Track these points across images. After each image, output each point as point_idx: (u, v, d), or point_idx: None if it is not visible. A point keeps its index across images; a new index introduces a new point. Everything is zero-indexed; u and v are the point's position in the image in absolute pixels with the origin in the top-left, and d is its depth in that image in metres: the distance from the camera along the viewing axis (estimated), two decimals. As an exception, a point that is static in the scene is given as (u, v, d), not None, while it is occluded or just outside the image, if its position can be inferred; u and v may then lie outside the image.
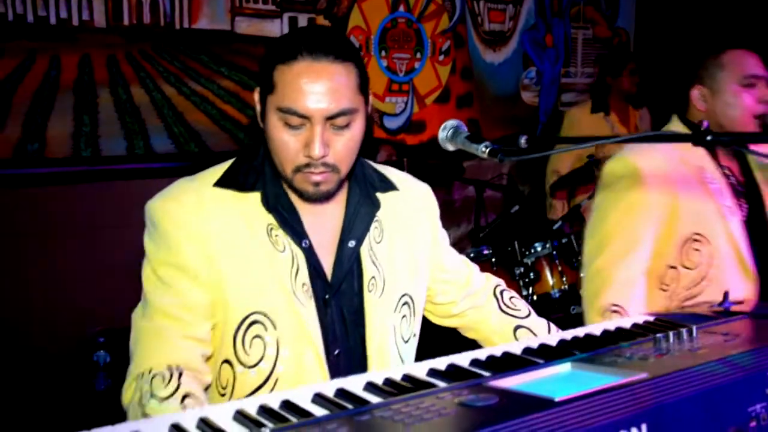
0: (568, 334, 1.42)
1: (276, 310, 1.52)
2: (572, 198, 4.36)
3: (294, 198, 1.57)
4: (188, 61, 4.08)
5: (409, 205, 1.73)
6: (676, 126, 2.29)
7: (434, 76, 5.01)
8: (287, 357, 1.54)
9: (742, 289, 2.19)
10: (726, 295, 1.59)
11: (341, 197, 1.63)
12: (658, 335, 1.30)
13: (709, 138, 1.19)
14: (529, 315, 1.89)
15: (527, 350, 1.31)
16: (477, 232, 4.19)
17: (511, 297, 1.92)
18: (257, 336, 1.53)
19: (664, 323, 1.47)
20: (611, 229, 2.15)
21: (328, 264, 1.59)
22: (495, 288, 1.92)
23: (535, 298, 3.69)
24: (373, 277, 1.61)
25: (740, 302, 1.65)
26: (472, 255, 3.70)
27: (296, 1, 4.45)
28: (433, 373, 1.18)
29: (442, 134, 1.46)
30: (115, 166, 3.86)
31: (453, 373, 1.17)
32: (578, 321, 3.69)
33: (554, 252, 3.74)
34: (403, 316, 1.67)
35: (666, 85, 2.66)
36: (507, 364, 1.20)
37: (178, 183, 1.58)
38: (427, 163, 4.22)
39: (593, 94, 4.52)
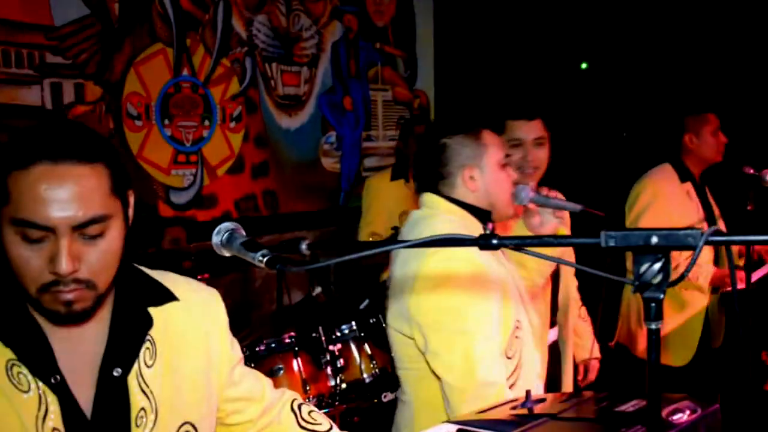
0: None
1: None
2: (381, 273, 4.09)
3: (43, 321, 1.36)
4: None
5: (192, 316, 1.53)
6: None
7: (225, 144, 4.65)
8: None
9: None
10: (528, 393, 1.51)
11: (103, 315, 1.41)
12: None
13: (495, 242, 1.10)
14: (330, 429, 1.74)
15: None
16: (279, 316, 3.84)
17: (310, 411, 1.77)
18: None
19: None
20: None
21: (86, 399, 1.36)
22: (292, 402, 1.75)
23: (344, 386, 3.36)
24: (143, 409, 1.40)
25: (542, 399, 1.60)
26: (273, 345, 3.34)
27: (59, 65, 3.92)
28: None
29: (216, 239, 1.34)
30: None
31: None
32: (389, 409, 3.45)
33: (362, 334, 3.47)
34: None
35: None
36: None
37: None
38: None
39: (396, 159, 4.35)
